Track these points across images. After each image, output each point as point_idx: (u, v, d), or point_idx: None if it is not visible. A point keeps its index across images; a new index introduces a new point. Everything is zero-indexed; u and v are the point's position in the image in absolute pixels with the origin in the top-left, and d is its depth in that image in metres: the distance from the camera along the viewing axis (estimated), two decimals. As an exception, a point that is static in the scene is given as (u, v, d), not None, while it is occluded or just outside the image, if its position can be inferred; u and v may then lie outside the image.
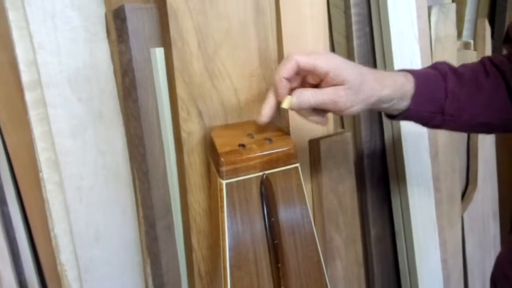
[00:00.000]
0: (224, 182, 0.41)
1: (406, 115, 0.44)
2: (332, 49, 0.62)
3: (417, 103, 0.43)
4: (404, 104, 0.43)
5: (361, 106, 0.41)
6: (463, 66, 0.47)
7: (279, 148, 0.43)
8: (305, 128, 0.57)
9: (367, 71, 0.41)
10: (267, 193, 0.43)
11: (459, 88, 0.44)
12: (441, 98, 0.43)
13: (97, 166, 0.51)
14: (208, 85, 0.48)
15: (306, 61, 0.39)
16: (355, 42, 0.61)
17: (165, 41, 0.47)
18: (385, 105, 0.43)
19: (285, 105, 0.39)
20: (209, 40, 0.47)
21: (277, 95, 0.40)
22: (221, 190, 0.41)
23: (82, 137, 0.50)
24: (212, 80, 0.48)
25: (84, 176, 0.50)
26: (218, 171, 0.42)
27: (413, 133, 0.64)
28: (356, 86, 0.39)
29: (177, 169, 0.51)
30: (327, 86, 0.40)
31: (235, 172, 0.41)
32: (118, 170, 0.53)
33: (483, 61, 0.47)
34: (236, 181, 0.41)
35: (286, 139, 0.44)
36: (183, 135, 0.47)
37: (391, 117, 0.46)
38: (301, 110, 0.41)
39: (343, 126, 0.66)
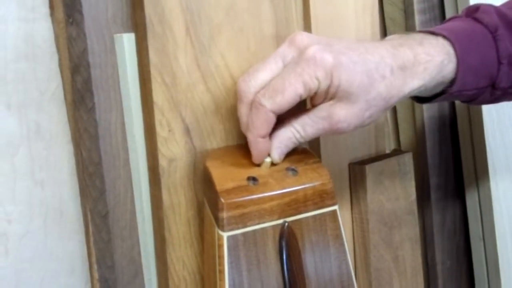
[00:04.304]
0: (225, 234, 0.41)
1: (444, 97, 0.48)
2: (383, 28, 0.63)
3: (461, 83, 0.46)
4: (440, 87, 0.46)
5: (375, 117, 0.44)
6: None
7: (308, 183, 0.43)
8: (343, 147, 0.58)
9: (375, 54, 0.43)
10: (289, 251, 0.43)
11: None
12: (492, 67, 0.46)
13: (32, 203, 0.51)
14: (200, 89, 0.48)
15: (282, 103, 0.41)
16: (417, 18, 0.62)
17: (137, 24, 0.47)
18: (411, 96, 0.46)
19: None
20: (203, 22, 0.48)
21: (253, 156, 0.44)
22: (220, 246, 0.41)
23: (9, 161, 0.50)
24: (206, 80, 0.49)
25: (12, 219, 0.51)
26: (217, 218, 0.42)
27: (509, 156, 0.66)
28: (362, 96, 0.42)
29: (151, 213, 0.51)
30: (315, 102, 0.43)
31: (242, 220, 0.41)
32: (63, 210, 0.53)
33: None
34: (244, 233, 0.42)
35: (318, 168, 0.45)
36: (162, 163, 0.47)
37: (421, 99, 0.49)
38: None
39: (398, 143, 0.67)
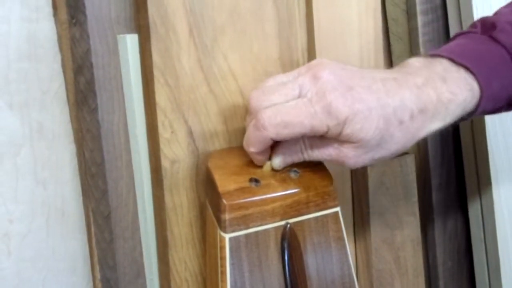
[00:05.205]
0: (227, 236, 0.41)
1: (462, 119, 0.46)
2: (386, 29, 0.63)
3: (481, 111, 0.45)
4: (460, 115, 0.45)
5: (385, 158, 0.43)
6: None
7: (310, 184, 0.44)
8: None
9: (396, 97, 0.41)
10: (291, 252, 0.43)
11: None
12: (511, 88, 0.45)
13: (34, 203, 0.52)
14: (203, 90, 0.49)
15: (285, 135, 0.40)
16: (420, 19, 0.62)
17: (141, 25, 0.48)
18: None
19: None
20: (206, 23, 0.48)
21: (254, 161, 0.44)
22: (222, 247, 0.42)
23: (12, 161, 0.51)
24: (208, 82, 0.49)
25: (15, 218, 0.51)
26: (219, 220, 0.42)
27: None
28: (374, 142, 0.41)
29: (154, 214, 0.51)
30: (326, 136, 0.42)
31: (244, 222, 0.42)
32: (65, 210, 0.54)
33: None
34: (246, 235, 0.42)
35: (320, 170, 0.45)
36: (165, 164, 0.48)
37: None
38: None
39: None
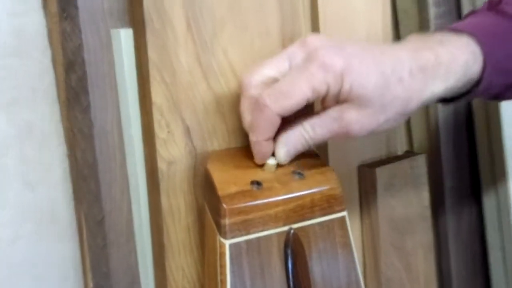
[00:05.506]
0: (227, 242, 0.41)
1: (468, 97, 0.47)
2: (395, 21, 0.63)
3: (487, 82, 0.45)
4: (465, 88, 0.46)
5: (393, 122, 0.44)
6: None
7: (315, 187, 0.43)
8: (352, 149, 0.58)
9: (392, 56, 0.42)
10: (295, 259, 0.43)
11: None
12: None
13: (23, 207, 0.52)
14: (202, 87, 0.49)
15: (289, 106, 0.41)
16: (432, 11, 0.62)
17: (136, 19, 0.47)
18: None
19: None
20: (205, 17, 0.48)
21: (255, 157, 0.44)
22: (222, 254, 0.41)
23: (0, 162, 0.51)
24: (207, 79, 0.49)
25: (3, 223, 0.51)
26: (218, 225, 0.42)
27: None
28: (377, 100, 0.41)
29: (149, 218, 0.51)
30: (326, 104, 0.43)
31: (245, 227, 0.41)
32: (56, 214, 0.54)
33: None
34: (247, 241, 0.42)
35: (326, 171, 0.45)
36: (161, 165, 0.47)
37: (443, 100, 0.48)
38: None
39: (411, 144, 0.66)
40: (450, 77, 0.43)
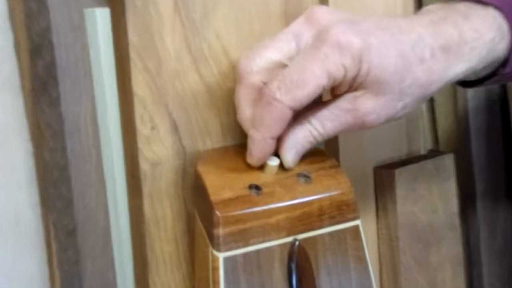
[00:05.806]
0: (221, 255, 0.40)
1: (494, 80, 0.47)
2: (419, 2, 0.61)
3: None
4: (490, 69, 0.45)
5: (411, 108, 0.43)
6: None
7: (324, 192, 0.43)
8: (367, 147, 0.57)
9: (412, 33, 0.42)
10: (300, 275, 0.42)
11: None
12: None
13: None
14: (192, 77, 0.47)
15: (303, 97, 0.40)
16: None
17: (113, -3, 0.45)
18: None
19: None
20: (195, -5, 0.46)
21: (252, 158, 0.43)
22: (215, 269, 0.41)
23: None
24: (198, 66, 0.47)
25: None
26: (211, 236, 0.41)
27: None
28: (396, 84, 0.41)
29: (130, 228, 0.50)
30: (338, 92, 0.42)
31: (242, 238, 0.40)
32: (20, 223, 0.52)
33: None
34: (244, 254, 0.41)
35: (336, 174, 0.44)
36: (144, 166, 0.47)
37: (466, 83, 0.49)
38: None
39: (436, 141, 0.65)
40: (474, 56, 0.43)
